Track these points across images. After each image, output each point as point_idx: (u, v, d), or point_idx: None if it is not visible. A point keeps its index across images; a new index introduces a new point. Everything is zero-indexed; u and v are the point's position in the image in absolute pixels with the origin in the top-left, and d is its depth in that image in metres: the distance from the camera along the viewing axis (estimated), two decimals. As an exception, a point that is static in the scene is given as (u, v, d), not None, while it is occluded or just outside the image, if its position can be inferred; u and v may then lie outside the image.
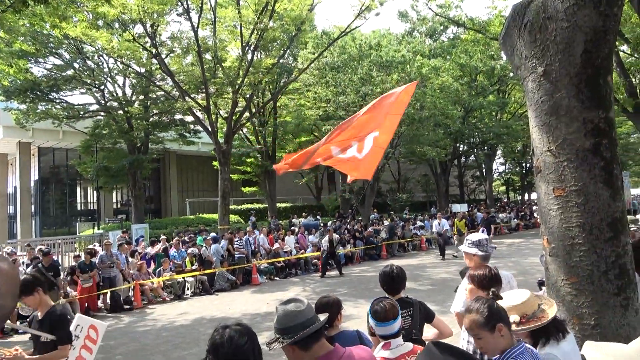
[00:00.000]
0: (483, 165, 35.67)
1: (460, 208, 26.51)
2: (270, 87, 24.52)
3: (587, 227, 2.40)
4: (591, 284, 2.39)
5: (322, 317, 2.05)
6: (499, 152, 38.23)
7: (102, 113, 23.24)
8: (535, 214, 29.11)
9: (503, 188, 48.37)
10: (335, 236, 15.27)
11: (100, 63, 22.54)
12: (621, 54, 15.35)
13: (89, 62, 22.04)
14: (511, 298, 2.27)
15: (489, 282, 2.89)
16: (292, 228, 18.40)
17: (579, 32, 2.40)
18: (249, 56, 18.54)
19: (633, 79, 15.08)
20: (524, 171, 40.86)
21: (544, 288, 4.24)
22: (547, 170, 2.53)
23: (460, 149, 34.51)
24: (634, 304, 2.43)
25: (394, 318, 2.61)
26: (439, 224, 17.53)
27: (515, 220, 27.24)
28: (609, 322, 2.35)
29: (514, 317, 2.21)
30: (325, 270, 14.43)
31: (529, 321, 2.18)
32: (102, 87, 22.78)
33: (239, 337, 1.76)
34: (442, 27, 32.85)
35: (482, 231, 14.89)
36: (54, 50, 20.80)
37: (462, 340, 2.68)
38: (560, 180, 2.47)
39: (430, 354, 1.24)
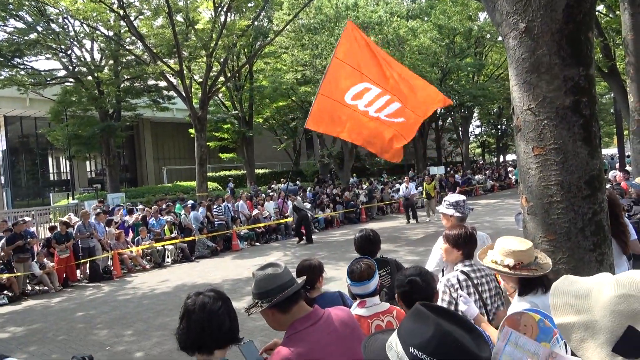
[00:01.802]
0: (460, 128, 35.97)
1: (437, 171, 26.84)
2: (246, 50, 23.87)
3: (566, 185, 2.41)
4: (568, 241, 2.43)
5: (300, 280, 2.06)
6: (475, 114, 38.55)
7: (71, 79, 22.32)
8: (510, 175, 29.72)
9: (479, 150, 49.09)
10: (298, 199, 14.79)
11: (66, 26, 21.48)
12: (597, 13, 15.38)
13: (53, 25, 20.95)
14: (513, 243, 2.31)
15: (463, 242, 2.94)
16: (271, 193, 18.36)
17: (562, -14, 2.35)
18: (222, 18, 17.91)
19: (608, 40, 15.18)
20: (499, 133, 41.43)
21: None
22: (527, 129, 2.52)
23: (438, 111, 34.59)
24: (608, 259, 2.49)
25: (369, 278, 2.64)
26: (407, 188, 16.88)
27: (490, 181, 27.77)
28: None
29: (509, 261, 2.27)
30: (300, 234, 14.25)
31: (522, 269, 2.25)
32: (68, 52, 21.79)
33: (212, 302, 1.77)
34: (420, -13, 32.23)
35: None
36: (14, 13, 19.66)
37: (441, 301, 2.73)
38: (539, 139, 2.47)
39: (421, 315, 1.21)
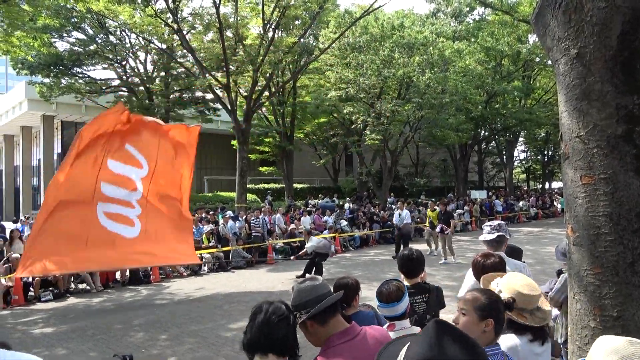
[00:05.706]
0: (504, 152, 35.05)
1: (479, 195, 26.24)
2: (291, 66, 24.34)
3: (615, 217, 2.31)
4: (616, 275, 2.32)
5: (337, 293, 2.07)
6: (520, 139, 37.47)
7: (124, 88, 23.44)
8: (555, 203, 28.61)
9: (523, 176, 47.59)
10: (313, 239, 11.06)
11: (123, 38, 22.63)
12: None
13: (111, 37, 22.14)
14: (521, 283, 2.29)
15: (488, 270, 2.86)
16: (308, 209, 18.43)
17: (617, 13, 2.28)
18: (270, 34, 18.39)
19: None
20: (545, 159, 40.06)
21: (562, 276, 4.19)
22: (576, 157, 2.45)
23: (481, 134, 33.91)
24: (660, 298, 2.36)
25: (397, 300, 2.59)
26: (400, 215, 13.93)
27: (534, 208, 26.81)
28: (632, 314, 2.28)
29: (504, 295, 2.26)
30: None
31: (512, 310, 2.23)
32: (123, 63, 22.92)
33: (275, 309, 1.88)
34: (468, 8, 32.01)
35: (440, 228, 12.99)
36: (77, 25, 20.93)
37: None
38: (588, 168, 2.39)
39: (426, 330, 1.22)
